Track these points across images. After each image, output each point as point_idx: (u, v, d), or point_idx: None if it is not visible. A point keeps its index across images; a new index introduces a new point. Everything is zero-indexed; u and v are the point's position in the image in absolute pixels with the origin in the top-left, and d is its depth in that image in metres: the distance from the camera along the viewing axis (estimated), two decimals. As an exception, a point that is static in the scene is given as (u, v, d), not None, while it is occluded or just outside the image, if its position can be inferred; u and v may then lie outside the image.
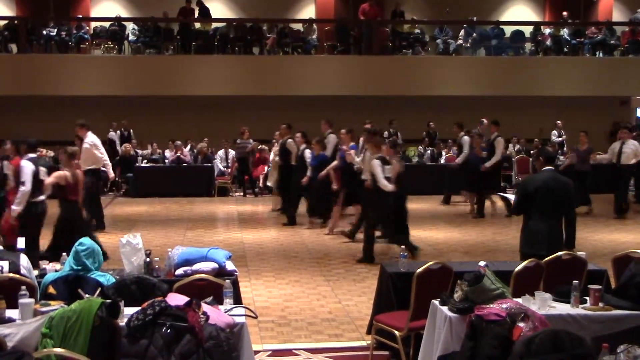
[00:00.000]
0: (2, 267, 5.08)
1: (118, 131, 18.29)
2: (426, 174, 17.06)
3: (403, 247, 6.73)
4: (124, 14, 20.09)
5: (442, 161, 17.62)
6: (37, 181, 8.42)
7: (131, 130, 18.44)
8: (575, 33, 20.22)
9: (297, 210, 13.07)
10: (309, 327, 7.04)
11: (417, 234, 12.06)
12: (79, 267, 5.12)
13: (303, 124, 19.04)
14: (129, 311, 4.38)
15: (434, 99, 19.22)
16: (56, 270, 5.52)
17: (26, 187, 8.27)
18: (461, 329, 4.65)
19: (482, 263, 5.19)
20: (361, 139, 11.74)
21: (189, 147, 18.00)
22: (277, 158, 13.78)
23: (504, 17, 21.39)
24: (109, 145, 16.59)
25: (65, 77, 17.99)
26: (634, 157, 13.66)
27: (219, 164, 17.62)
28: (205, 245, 6.55)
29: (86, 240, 5.28)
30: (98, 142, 11.86)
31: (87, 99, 18.35)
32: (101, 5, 20.66)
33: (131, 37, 19.15)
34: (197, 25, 19.49)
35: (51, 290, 5.07)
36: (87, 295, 4.67)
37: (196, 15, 19.43)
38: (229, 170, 17.57)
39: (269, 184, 15.32)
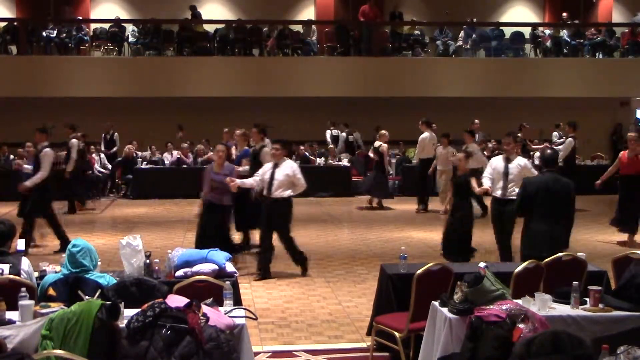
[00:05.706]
0: (3, 270, 5.07)
1: (102, 134, 17.94)
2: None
3: None
4: (123, 15, 20.09)
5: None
6: None
7: (116, 134, 17.88)
8: (575, 34, 20.21)
9: None
10: (309, 328, 7.03)
11: (417, 235, 12.08)
12: (78, 269, 5.11)
13: (303, 125, 19.14)
14: (129, 313, 4.38)
15: (434, 100, 19.20)
16: (56, 272, 5.51)
17: None
18: (461, 330, 4.66)
19: (482, 264, 5.18)
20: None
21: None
22: None
23: (504, 19, 21.40)
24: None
25: (65, 79, 18.00)
26: (285, 188, 8.93)
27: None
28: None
29: (79, 241, 5.23)
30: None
31: (87, 101, 18.34)
32: (101, 7, 20.68)
33: (131, 39, 19.16)
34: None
35: (51, 291, 5.05)
36: (87, 297, 4.66)
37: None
38: (229, 171, 17.53)
39: None
